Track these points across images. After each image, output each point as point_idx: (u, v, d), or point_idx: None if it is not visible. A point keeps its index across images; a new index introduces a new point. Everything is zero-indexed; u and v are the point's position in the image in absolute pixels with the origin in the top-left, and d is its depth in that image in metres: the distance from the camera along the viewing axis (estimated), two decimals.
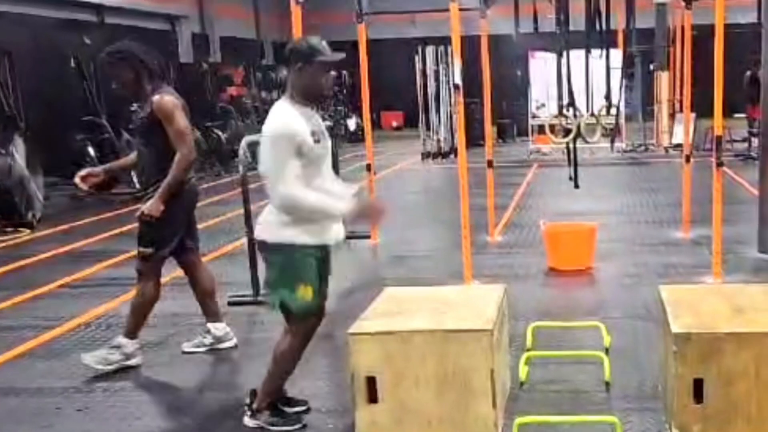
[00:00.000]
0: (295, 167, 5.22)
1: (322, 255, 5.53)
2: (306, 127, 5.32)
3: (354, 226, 5.48)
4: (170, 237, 6.78)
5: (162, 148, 6.58)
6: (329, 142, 5.64)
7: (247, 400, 5.68)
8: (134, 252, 6.90)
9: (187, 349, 7.28)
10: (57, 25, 22.03)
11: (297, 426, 5.62)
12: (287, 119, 5.31)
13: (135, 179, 17.13)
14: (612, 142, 21.42)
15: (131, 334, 6.92)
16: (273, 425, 5.60)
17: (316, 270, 5.45)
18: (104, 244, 12.16)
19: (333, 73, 5.72)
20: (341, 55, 5.55)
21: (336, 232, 5.57)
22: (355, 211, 5.39)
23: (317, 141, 5.40)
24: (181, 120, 6.57)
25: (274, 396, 5.68)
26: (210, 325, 7.28)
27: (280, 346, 5.58)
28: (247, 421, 5.66)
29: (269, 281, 5.55)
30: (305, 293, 5.36)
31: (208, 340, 7.27)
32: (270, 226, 5.43)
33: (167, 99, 6.57)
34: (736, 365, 4.88)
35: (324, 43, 5.49)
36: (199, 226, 7.36)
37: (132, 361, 6.89)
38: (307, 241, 5.36)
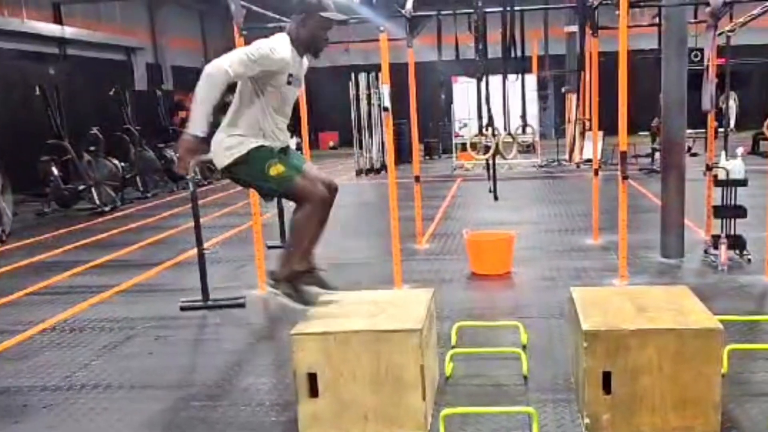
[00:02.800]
0: (248, 69, 5.16)
1: (276, 149, 5.47)
2: (289, 64, 5.27)
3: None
4: None
5: None
6: (299, 90, 5.63)
7: (273, 268, 5.61)
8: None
9: None
10: (23, 56, 21.85)
11: (306, 306, 5.55)
12: (282, 48, 5.24)
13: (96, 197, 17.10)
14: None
15: None
16: (287, 296, 5.57)
17: (275, 155, 5.39)
18: (67, 255, 11.91)
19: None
20: (343, 17, 5.45)
21: (282, 142, 5.55)
22: (185, 148, 5.31)
23: (289, 83, 5.36)
24: None
25: (294, 268, 5.58)
26: None
27: (294, 215, 5.52)
28: (268, 283, 5.67)
29: (254, 186, 5.56)
30: (277, 170, 5.30)
31: None
32: (223, 151, 5.42)
33: None
34: (641, 359, 4.88)
35: (331, 2, 5.42)
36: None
37: None
38: (254, 143, 5.35)
